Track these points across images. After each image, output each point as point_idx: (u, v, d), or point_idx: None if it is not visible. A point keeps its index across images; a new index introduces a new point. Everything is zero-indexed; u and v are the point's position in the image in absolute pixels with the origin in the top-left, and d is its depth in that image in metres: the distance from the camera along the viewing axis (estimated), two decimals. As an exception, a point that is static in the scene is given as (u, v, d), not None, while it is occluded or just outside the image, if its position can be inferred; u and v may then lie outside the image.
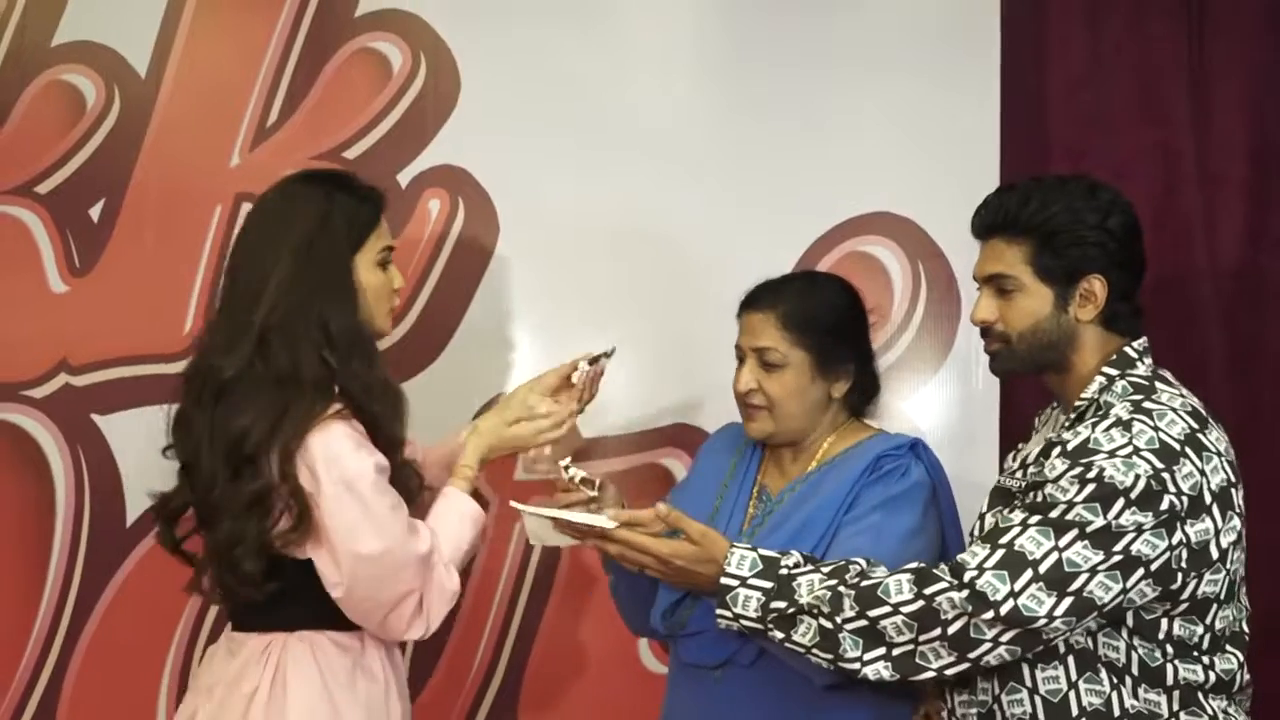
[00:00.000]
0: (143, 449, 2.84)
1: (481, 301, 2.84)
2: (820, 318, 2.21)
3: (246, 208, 2.83)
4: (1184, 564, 1.83)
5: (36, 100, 2.92)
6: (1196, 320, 2.87)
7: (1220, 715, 1.90)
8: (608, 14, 2.88)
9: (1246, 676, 1.94)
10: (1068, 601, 1.80)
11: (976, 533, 2.04)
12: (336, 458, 1.99)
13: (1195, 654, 1.88)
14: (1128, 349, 1.99)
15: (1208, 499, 1.84)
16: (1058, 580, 1.80)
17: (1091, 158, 2.86)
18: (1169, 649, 1.88)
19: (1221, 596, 1.88)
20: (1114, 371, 1.97)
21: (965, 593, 1.82)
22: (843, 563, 1.96)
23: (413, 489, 2.12)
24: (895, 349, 2.78)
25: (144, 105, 2.90)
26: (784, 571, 1.95)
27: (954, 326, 2.78)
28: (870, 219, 2.80)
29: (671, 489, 2.40)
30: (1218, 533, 1.85)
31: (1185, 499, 1.82)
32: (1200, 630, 1.88)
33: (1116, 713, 1.88)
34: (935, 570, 1.88)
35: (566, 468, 2.15)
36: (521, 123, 2.84)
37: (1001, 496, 2.02)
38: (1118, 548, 1.80)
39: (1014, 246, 1.99)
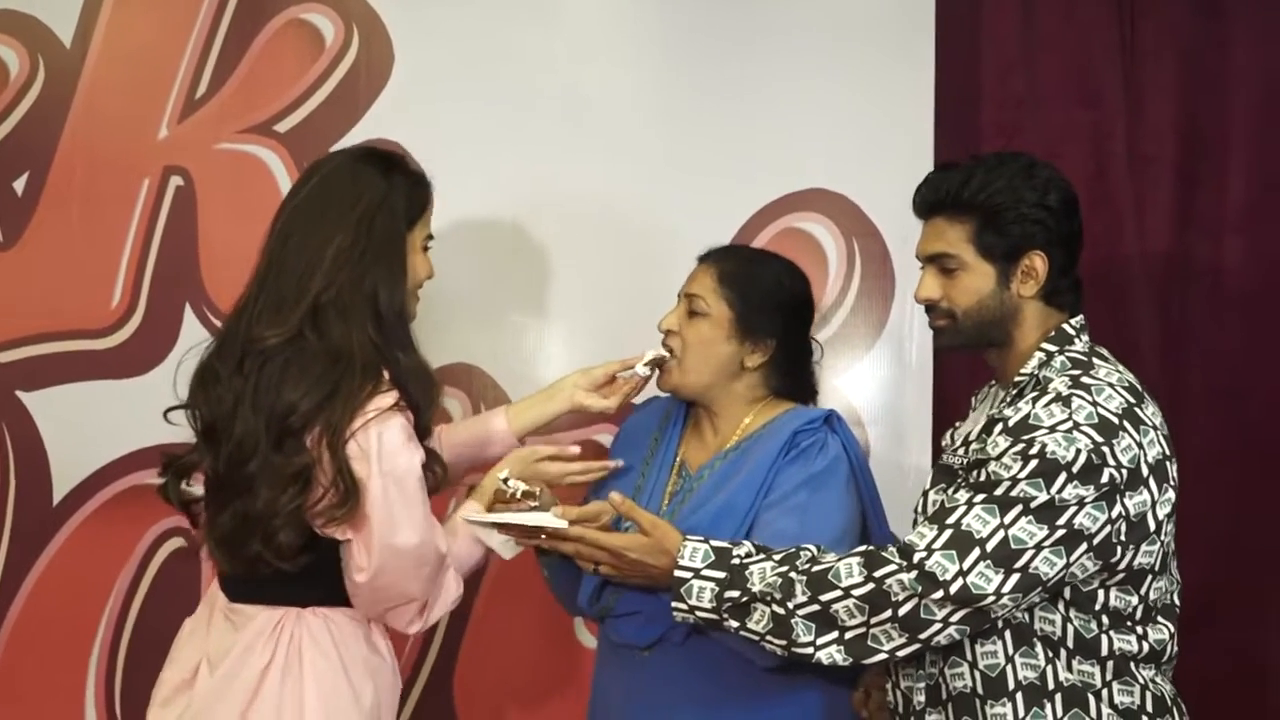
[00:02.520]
0: (69, 426, 2.82)
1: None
2: (754, 283, 2.23)
3: (175, 180, 2.83)
4: (1123, 536, 1.86)
5: (-42, 71, 2.86)
6: (1125, 299, 2.91)
7: (1149, 684, 1.93)
8: (543, -13, 2.87)
9: (1175, 648, 1.98)
10: (1015, 578, 1.82)
11: (921, 510, 2.06)
12: (391, 451, 1.99)
13: (1129, 624, 1.92)
14: (1066, 326, 2.01)
15: (1145, 471, 1.87)
16: (1004, 557, 1.82)
17: (1024, 138, 2.89)
18: (1104, 620, 1.91)
19: (1155, 567, 1.91)
20: (1052, 347, 1.99)
21: (915, 574, 1.84)
22: (794, 549, 1.97)
23: (437, 480, 2.11)
24: (829, 326, 2.80)
25: (69, 76, 2.84)
26: (736, 561, 1.96)
27: (887, 304, 2.80)
28: (805, 195, 2.81)
29: None
30: (1154, 504, 1.88)
31: (1124, 471, 1.84)
32: (1135, 601, 1.91)
33: (1051, 685, 1.91)
34: (884, 553, 1.89)
35: (506, 481, 2.14)
36: (455, 97, 2.82)
37: (945, 474, 2.04)
38: (1061, 522, 1.82)
39: (956, 225, 2.01)
